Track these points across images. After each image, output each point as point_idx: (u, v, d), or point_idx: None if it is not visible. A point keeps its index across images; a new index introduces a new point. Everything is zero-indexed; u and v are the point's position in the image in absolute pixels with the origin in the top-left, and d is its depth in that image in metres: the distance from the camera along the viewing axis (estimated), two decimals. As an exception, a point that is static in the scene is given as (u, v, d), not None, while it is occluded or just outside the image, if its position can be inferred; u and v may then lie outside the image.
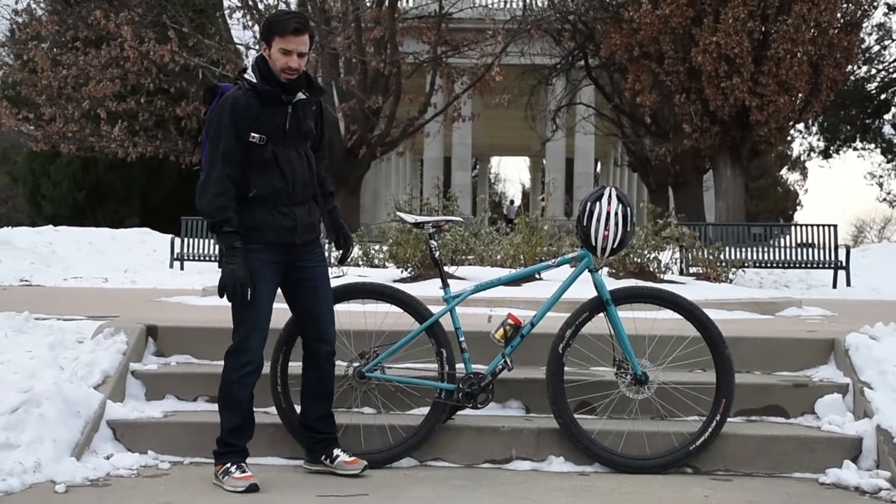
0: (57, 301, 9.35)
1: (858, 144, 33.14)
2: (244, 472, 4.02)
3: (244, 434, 4.16)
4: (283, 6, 20.51)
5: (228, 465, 4.05)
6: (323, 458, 4.31)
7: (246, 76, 4.15)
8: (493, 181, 69.57)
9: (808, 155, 35.53)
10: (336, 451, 4.30)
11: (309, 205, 4.25)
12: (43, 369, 4.61)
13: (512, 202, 54.05)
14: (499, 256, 10.56)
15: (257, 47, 20.50)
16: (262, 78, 4.10)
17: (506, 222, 18.47)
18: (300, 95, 4.17)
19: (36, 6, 22.11)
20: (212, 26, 20.80)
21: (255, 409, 4.28)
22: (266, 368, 4.37)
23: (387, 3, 20.07)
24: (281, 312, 4.35)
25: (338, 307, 4.44)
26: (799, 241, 16.91)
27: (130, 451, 4.47)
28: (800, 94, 18.84)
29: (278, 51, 4.07)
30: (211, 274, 14.82)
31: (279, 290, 4.28)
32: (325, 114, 4.47)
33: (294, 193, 4.13)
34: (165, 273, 16.32)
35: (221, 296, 4.04)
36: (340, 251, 4.50)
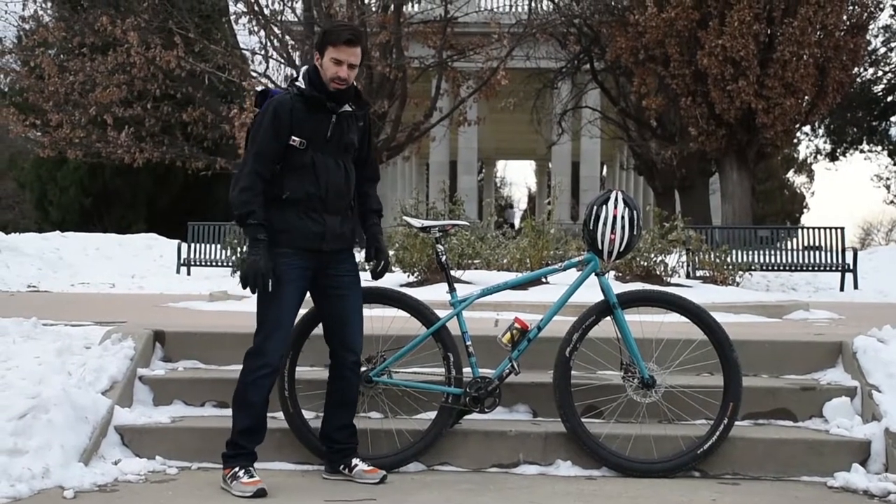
0: (64, 307, 9.37)
1: (865, 147, 33.03)
2: (252, 476, 4.03)
3: (255, 437, 4.17)
4: (288, 11, 20.54)
5: (237, 469, 4.05)
6: (341, 467, 4.32)
7: (297, 83, 4.24)
8: (499, 185, 69.53)
9: (815, 157, 35.48)
10: (354, 461, 4.31)
11: (343, 215, 4.27)
12: (51, 375, 4.62)
13: (511, 206, 53.08)
14: (505, 260, 10.55)
15: (263, 52, 20.56)
16: (311, 85, 4.19)
17: (509, 227, 18.45)
18: (346, 108, 4.24)
19: (43, 13, 22.16)
20: (218, 32, 20.85)
21: (263, 415, 4.28)
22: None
23: (392, 7, 20.05)
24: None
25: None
26: (806, 243, 16.91)
27: (138, 457, 4.48)
28: (806, 97, 18.79)
29: (330, 60, 4.16)
30: (218, 279, 14.85)
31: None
32: (371, 130, 4.49)
33: (327, 201, 4.17)
34: (172, 278, 16.36)
35: (244, 287, 4.07)
36: (372, 264, 4.46)
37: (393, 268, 10.88)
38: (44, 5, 22.32)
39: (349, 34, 4.22)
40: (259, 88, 4.55)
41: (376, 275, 4.48)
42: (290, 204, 4.14)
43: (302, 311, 4.42)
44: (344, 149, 4.27)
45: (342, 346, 4.30)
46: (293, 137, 4.12)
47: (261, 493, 3.94)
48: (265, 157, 4.11)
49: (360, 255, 4.47)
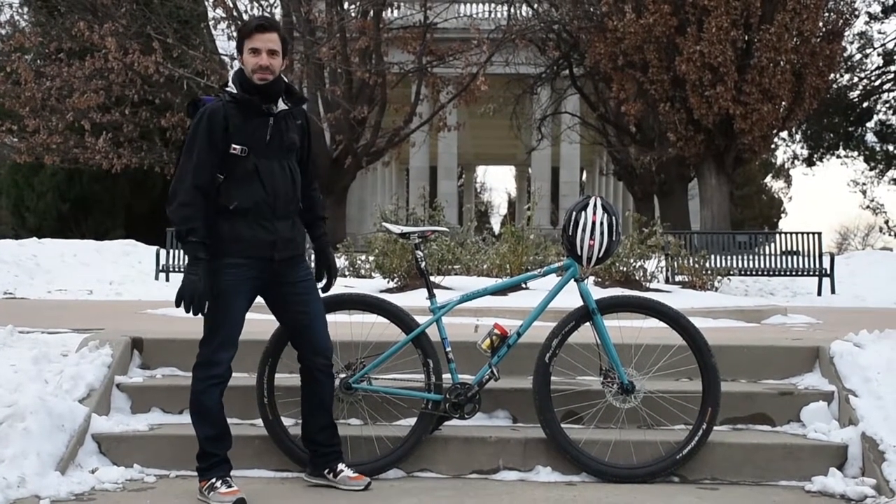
0: (41, 314, 9.30)
1: (841, 152, 33.33)
2: (230, 486, 3.98)
3: (221, 444, 4.12)
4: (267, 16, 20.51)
5: (213, 480, 4.01)
6: (326, 472, 4.29)
7: (227, 89, 4.16)
8: (479, 190, 69.69)
9: (792, 163, 35.71)
10: (340, 466, 4.28)
11: (292, 220, 4.21)
12: (27, 383, 4.58)
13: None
14: (485, 266, 10.57)
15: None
16: (240, 87, 4.11)
17: None
18: (281, 105, 4.16)
19: (19, 18, 22.06)
20: (196, 37, 20.79)
21: (241, 422, 4.26)
22: (249, 380, 4.35)
23: (371, 13, 20.10)
24: (268, 324, 4.34)
25: (324, 318, 4.41)
26: (783, 248, 16.98)
27: (116, 465, 4.44)
28: (783, 103, 18.96)
29: (248, 52, 4.08)
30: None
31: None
32: (311, 130, 4.44)
33: (276, 206, 4.09)
34: (151, 285, 16.25)
35: (178, 305, 3.98)
36: (324, 281, 4.40)
37: (373, 273, 10.88)
38: (20, 10, 22.21)
39: (258, 20, 4.20)
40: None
41: (325, 289, 4.40)
42: (238, 214, 4.04)
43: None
44: (286, 150, 4.17)
45: (312, 351, 4.25)
46: (233, 146, 4.02)
47: (240, 503, 3.91)
48: (204, 168, 4.00)
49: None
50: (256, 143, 4.07)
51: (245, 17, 20.01)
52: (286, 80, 4.25)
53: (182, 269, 16.54)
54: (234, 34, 19.71)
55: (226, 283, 4.03)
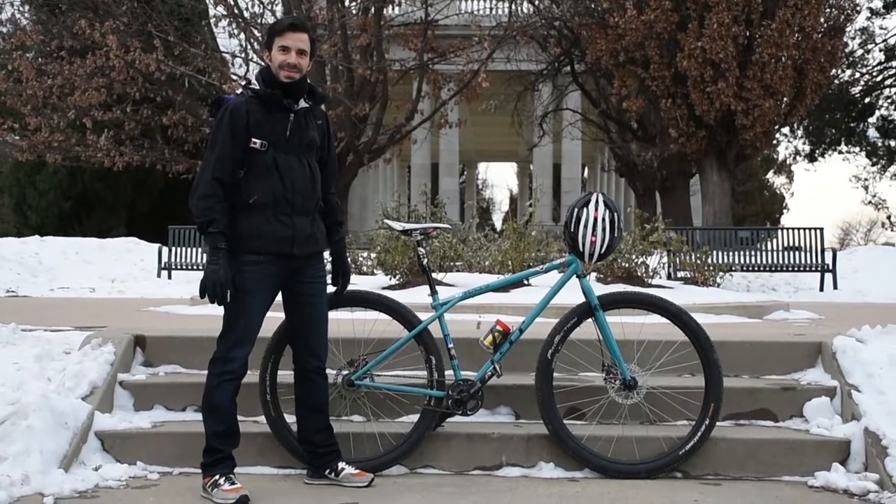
0: (44, 312, 9.31)
1: (843, 147, 33.31)
2: (233, 483, 3.99)
3: (228, 440, 4.13)
4: (268, 14, 20.50)
5: (217, 477, 4.01)
6: (327, 471, 4.30)
7: (251, 86, 4.22)
8: (480, 187, 69.68)
9: (794, 158, 35.68)
10: (341, 465, 4.29)
11: (312, 216, 4.24)
12: (30, 381, 4.59)
13: None
14: (487, 263, 10.56)
15: (243, 55, 20.52)
16: (264, 83, 4.16)
17: None
18: (302, 103, 4.20)
19: (20, 16, 22.06)
20: (197, 35, 20.76)
21: (244, 419, 4.26)
22: (252, 377, 4.36)
23: (373, 10, 20.06)
24: (269, 321, 4.34)
25: (327, 315, 4.42)
26: (786, 244, 16.99)
27: (119, 462, 4.44)
28: (785, 98, 18.94)
29: (277, 49, 4.14)
30: (199, 283, 14.77)
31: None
32: (330, 131, 4.45)
33: (294, 201, 4.12)
34: (153, 282, 16.28)
35: (202, 297, 4.02)
36: (337, 286, 4.44)
37: (375, 270, 10.88)
38: (21, 8, 22.22)
39: (291, 20, 4.26)
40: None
41: (337, 295, 4.45)
42: (257, 208, 4.08)
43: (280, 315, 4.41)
44: (306, 147, 4.21)
45: (307, 351, 4.27)
46: (253, 140, 4.06)
47: (243, 500, 3.91)
48: (224, 162, 4.04)
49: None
50: (276, 138, 4.11)
51: (246, 14, 20.01)
52: (309, 81, 4.30)
53: (185, 266, 16.66)
54: (235, 31, 19.76)
55: (243, 280, 4.05)
